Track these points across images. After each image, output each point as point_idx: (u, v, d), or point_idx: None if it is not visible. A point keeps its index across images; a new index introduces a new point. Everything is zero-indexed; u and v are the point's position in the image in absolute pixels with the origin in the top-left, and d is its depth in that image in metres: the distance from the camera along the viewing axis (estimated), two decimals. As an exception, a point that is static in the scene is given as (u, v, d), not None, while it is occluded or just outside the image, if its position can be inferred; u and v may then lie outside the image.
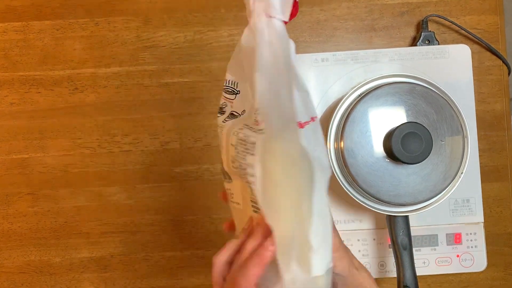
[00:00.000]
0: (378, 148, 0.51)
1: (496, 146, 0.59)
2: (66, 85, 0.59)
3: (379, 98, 0.52)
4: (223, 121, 0.40)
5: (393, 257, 0.53)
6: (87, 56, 0.59)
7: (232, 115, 0.40)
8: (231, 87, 0.40)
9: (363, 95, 0.52)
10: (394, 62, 0.57)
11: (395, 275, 0.53)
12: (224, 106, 0.41)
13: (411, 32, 0.60)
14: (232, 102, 0.40)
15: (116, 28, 0.59)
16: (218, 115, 0.41)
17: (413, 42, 0.59)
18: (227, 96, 0.40)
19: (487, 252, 0.57)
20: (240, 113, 0.40)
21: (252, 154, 0.32)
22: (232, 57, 0.39)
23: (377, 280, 0.57)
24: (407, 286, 0.51)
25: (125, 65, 0.59)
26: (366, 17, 0.60)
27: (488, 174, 0.58)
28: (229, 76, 0.40)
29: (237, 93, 0.40)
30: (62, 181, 0.58)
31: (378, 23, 0.60)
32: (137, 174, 0.59)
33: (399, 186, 0.51)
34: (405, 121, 0.51)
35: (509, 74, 0.60)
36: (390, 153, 0.49)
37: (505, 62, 0.59)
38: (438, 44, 0.58)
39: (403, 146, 0.48)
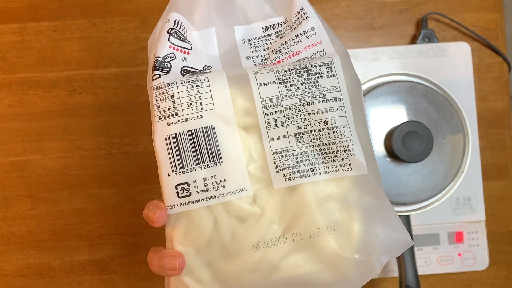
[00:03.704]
0: (379, 147, 0.51)
1: (497, 144, 0.59)
2: (64, 87, 0.58)
3: (379, 97, 0.52)
4: (168, 84, 0.29)
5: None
6: (85, 57, 0.58)
7: (187, 72, 0.30)
8: (181, 32, 0.31)
9: (363, 94, 0.52)
10: (394, 60, 0.57)
11: (397, 275, 0.53)
12: (169, 59, 0.30)
13: (410, 30, 0.60)
14: (188, 54, 0.31)
15: (113, 29, 0.59)
16: (155, 74, 0.29)
17: (413, 40, 0.59)
18: (179, 44, 0.30)
19: (489, 251, 0.57)
20: (202, 69, 0.31)
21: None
22: None
23: (379, 280, 0.57)
24: (409, 285, 0.51)
25: (123, 66, 0.58)
26: (365, 15, 0.59)
27: (489, 172, 0.58)
28: (176, 16, 0.31)
29: (191, 44, 0.31)
30: (61, 184, 0.58)
31: (377, 21, 0.59)
32: (136, 176, 0.58)
33: (400, 185, 0.51)
34: (406, 120, 0.51)
35: (509, 71, 0.59)
36: (391, 152, 0.49)
37: (505, 59, 0.59)
38: (438, 42, 0.58)
39: (404, 145, 0.48)
